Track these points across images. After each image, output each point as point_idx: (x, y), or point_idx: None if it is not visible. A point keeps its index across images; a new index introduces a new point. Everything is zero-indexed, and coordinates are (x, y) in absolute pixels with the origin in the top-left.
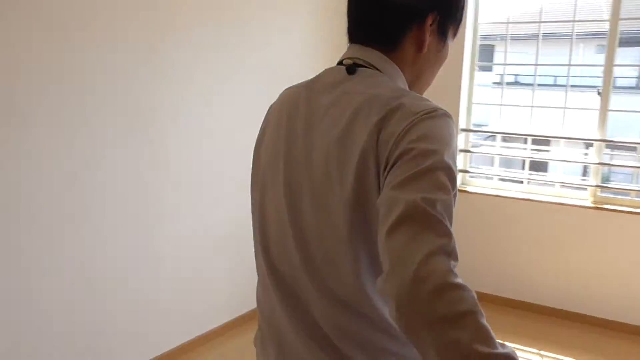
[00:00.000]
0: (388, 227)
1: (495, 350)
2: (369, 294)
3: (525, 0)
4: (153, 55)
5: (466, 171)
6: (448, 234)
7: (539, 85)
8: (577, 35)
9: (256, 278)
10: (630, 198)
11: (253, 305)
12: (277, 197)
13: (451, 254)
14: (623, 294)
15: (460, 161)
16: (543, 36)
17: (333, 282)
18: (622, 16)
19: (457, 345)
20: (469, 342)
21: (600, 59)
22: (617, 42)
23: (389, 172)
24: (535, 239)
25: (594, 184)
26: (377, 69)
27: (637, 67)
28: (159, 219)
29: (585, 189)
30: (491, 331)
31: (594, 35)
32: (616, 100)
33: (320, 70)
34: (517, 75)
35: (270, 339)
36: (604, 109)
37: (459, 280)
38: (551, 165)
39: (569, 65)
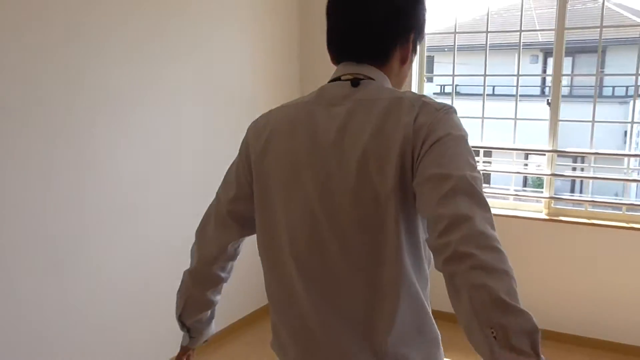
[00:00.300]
0: (442, 196)
1: (518, 305)
2: (408, 268)
3: (462, 11)
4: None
5: None
6: (489, 209)
7: (476, 95)
8: (509, 46)
9: None
10: (584, 209)
11: None
12: (305, 198)
13: (494, 226)
14: (579, 308)
15: None
16: (478, 47)
17: (371, 266)
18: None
19: (489, 290)
20: (498, 291)
21: (536, 68)
22: (563, 51)
23: (424, 156)
24: None
25: (548, 196)
26: (373, 79)
27: (580, 76)
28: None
29: (539, 201)
30: (518, 294)
31: (528, 46)
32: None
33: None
34: (457, 85)
35: (292, 331)
36: (554, 119)
37: (503, 249)
38: (492, 177)
39: (518, 75)
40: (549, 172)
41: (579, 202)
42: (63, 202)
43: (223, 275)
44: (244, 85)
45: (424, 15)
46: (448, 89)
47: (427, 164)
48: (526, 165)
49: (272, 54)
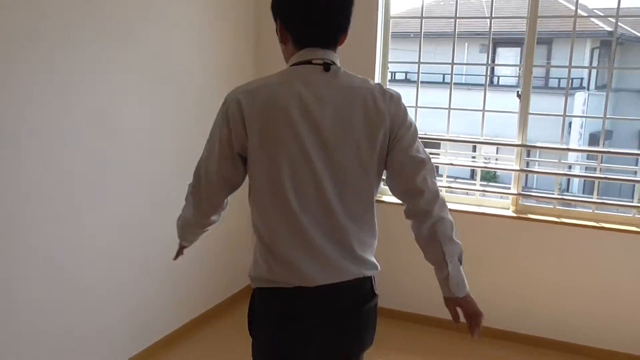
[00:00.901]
0: (421, 175)
1: (457, 240)
2: (373, 210)
3: None
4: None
5: (382, 179)
6: None
7: (427, 83)
8: (460, 34)
9: None
10: (552, 207)
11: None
12: (309, 165)
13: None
14: (547, 309)
15: None
16: (431, 34)
17: (356, 206)
18: (497, 14)
19: (447, 221)
20: (452, 233)
21: (482, 58)
22: (535, 41)
23: (397, 139)
24: None
25: (516, 192)
26: (336, 64)
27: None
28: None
29: (507, 197)
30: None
31: (478, 34)
32: (499, 99)
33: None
34: (408, 72)
35: (301, 251)
36: (524, 112)
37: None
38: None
39: (487, 64)
40: (518, 168)
41: (548, 200)
42: None
43: (217, 217)
44: (194, 75)
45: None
46: (398, 76)
47: (402, 147)
48: (474, 157)
49: (226, 44)
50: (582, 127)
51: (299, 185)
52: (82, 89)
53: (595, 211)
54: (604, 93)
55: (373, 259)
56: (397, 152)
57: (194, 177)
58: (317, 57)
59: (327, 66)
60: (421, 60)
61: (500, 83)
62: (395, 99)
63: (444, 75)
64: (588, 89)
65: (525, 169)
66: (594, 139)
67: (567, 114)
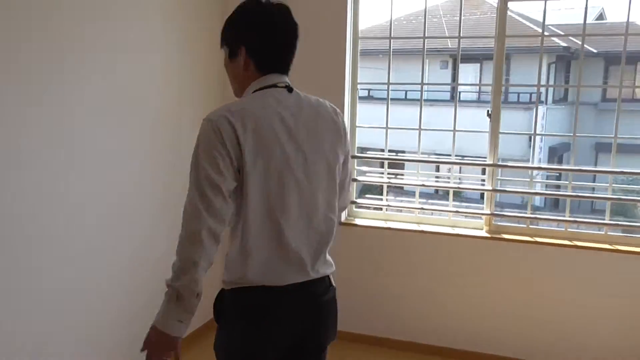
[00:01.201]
0: (349, 183)
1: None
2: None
3: (375, 16)
4: None
5: (353, 202)
6: None
7: (391, 100)
8: (420, 51)
9: None
10: (525, 226)
11: None
12: (295, 171)
13: None
14: (522, 330)
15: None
16: (394, 52)
17: (329, 213)
18: (454, 31)
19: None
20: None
21: (446, 74)
22: (504, 59)
23: (347, 152)
24: (427, 273)
25: (489, 212)
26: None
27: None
28: None
29: (479, 217)
30: None
31: (438, 51)
32: (460, 114)
33: None
34: (371, 90)
35: (297, 243)
36: (495, 131)
37: None
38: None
39: (457, 84)
40: (490, 187)
41: (522, 219)
42: None
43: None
44: (158, 100)
45: None
46: (362, 93)
47: (347, 161)
48: (438, 178)
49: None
50: (541, 141)
51: (287, 197)
52: (39, 107)
53: (568, 229)
54: (561, 107)
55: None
56: (344, 165)
57: (189, 218)
58: (280, 81)
59: (289, 89)
60: (387, 79)
61: (461, 98)
62: (341, 115)
63: (406, 92)
64: (546, 103)
65: (498, 188)
66: (553, 152)
67: (530, 129)
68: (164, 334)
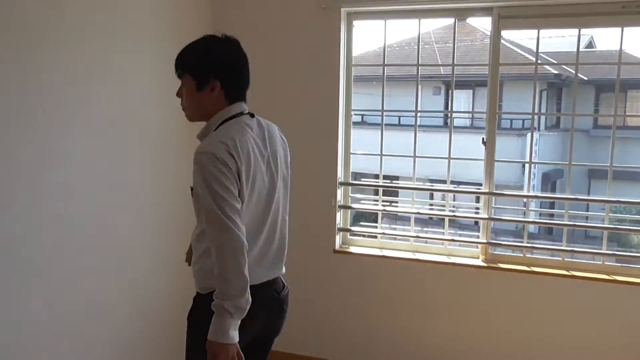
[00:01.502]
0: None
1: None
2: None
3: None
4: None
5: (347, 229)
6: None
7: (379, 125)
8: (413, 78)
9: None
10: (522, 255)
11: None
12: (277, 192)
13: None
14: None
15: (340, 218)
16: (388, 78)
17: (286, 226)
18: (447, 58)
19: None
20: None
21: (439, 99)
22: (497, 88)
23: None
24: (422, 303)
25: (485, 241)
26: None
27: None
28: None
29: (476, 246)
30: None
31: (431, 78)
32: (454, 140)
33: None
34: (364, 115)
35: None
36: (491, 159)
37: None
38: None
39: (452, 111)
40: (486, 216)
41: (518, 249)
42: None
43: None
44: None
45: None
46: (355, 119)
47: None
48: (431, 206)
49: None
50: (534, 167)
51: (266, 214)
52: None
53: (565, 259)
54: (554, 133)
55: None
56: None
57: (226, 240)
58: (244, 109)
59: (252, 115)
60: (380, 106)
61: (454, 125)
62: (283, 135)
63: (399, 117)
64: (539, 130)
65: (495, 217)
66: (546, 179)
67: (523, 155)
68: (228, 346)
